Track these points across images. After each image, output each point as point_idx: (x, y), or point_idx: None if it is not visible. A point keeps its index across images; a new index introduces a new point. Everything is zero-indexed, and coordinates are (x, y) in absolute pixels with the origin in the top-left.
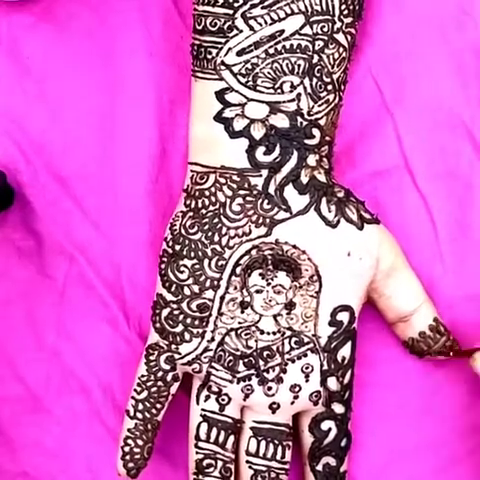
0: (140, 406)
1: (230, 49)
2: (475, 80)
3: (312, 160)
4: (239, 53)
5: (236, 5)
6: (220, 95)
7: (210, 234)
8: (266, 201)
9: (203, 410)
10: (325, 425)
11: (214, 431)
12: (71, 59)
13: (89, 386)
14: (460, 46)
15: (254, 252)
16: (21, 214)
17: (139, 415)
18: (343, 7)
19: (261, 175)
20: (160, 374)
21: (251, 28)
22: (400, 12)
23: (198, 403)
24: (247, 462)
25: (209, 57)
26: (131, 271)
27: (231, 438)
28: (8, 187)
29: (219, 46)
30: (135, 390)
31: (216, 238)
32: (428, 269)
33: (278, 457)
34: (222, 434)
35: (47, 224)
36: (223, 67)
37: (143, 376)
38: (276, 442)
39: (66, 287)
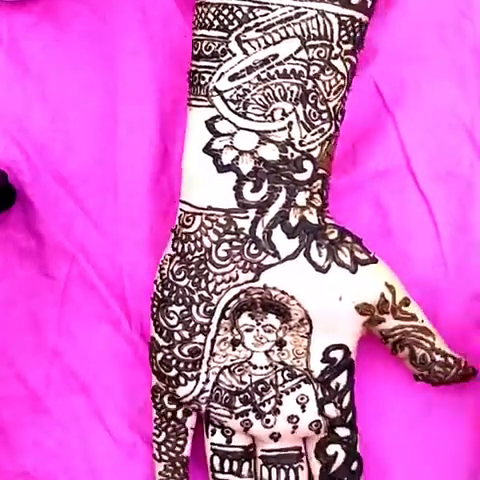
0: (163, 448)
1: (223, 74)
2: (475, 81)
3: (301, 199)
4: (231, 78)
5: (231, 28)
6: (210, 124)
7: (197, 280)
8: (253, 246)
9: (212, 444)
10: (330, 450)
11: (226, 462)
12: (72, 59)
13: (90, 386)
14: (459, 48)
15: (242, 296)
16: (22, 214)
17: (165, 457)
18: (343, 33)
19: (248, 217)
20: (169, 414)
21: (245, 52)
22: (400, 15)
23: (207, 437)
24: None
25: (202, 83)
26: (133, 271)
27: (245, 465)
28: (10, 187)
29: (212, 71)
30: (154, 434)
31: (203, 284)
32: (429, 269)
33: None
34: (235, 464)
35: (48, 224)
36: (215, 93)
37: (156, 419)
38: (286, 467)
39: (67, 287)
